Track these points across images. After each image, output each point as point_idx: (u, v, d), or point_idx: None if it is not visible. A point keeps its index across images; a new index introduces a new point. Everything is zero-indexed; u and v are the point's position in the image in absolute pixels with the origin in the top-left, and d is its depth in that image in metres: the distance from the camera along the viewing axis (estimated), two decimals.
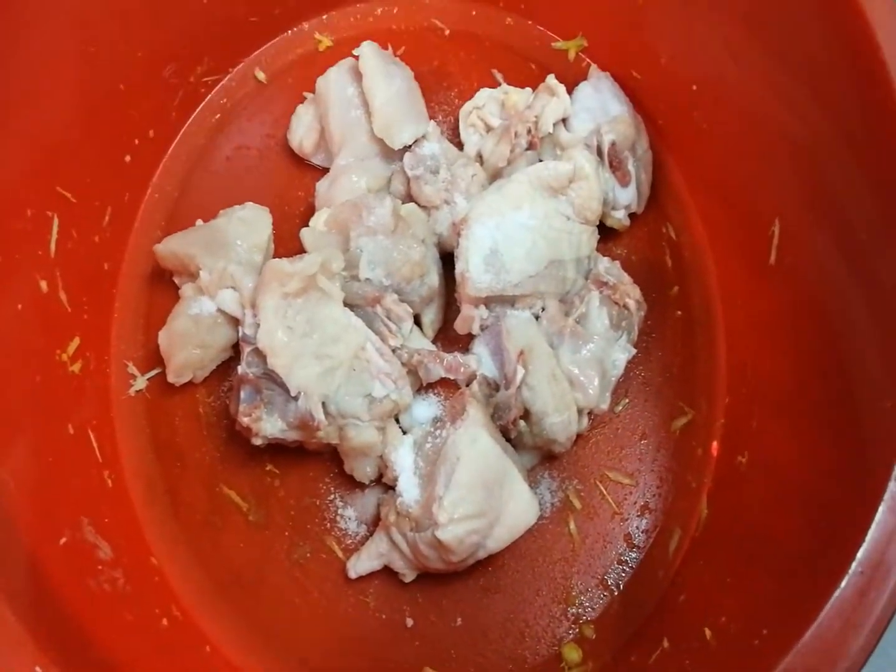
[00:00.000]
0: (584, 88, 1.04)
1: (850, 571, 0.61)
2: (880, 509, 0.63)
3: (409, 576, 0.88)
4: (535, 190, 0.91)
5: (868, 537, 0.62)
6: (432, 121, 1.02)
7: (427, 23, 1.14)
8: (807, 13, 0.80)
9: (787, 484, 0.80)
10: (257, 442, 0.86)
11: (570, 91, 1.02)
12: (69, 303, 0.90)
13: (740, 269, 0.96)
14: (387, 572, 0.88)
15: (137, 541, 0.90)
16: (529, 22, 1.13)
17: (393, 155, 1.00)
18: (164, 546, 0.91)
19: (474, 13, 1.14)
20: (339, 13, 1.14)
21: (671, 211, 1.05)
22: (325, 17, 1.13)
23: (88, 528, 0.80)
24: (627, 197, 1.00)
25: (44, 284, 0.87)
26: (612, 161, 0.98)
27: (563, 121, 1.02)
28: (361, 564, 0.88)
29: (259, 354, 0.83)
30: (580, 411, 0.89)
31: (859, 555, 0.62)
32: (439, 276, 0.94)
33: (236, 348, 0.92)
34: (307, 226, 0.93)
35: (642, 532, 0.93)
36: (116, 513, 0.88)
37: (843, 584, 0.61)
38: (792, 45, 0.82)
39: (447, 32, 1.13)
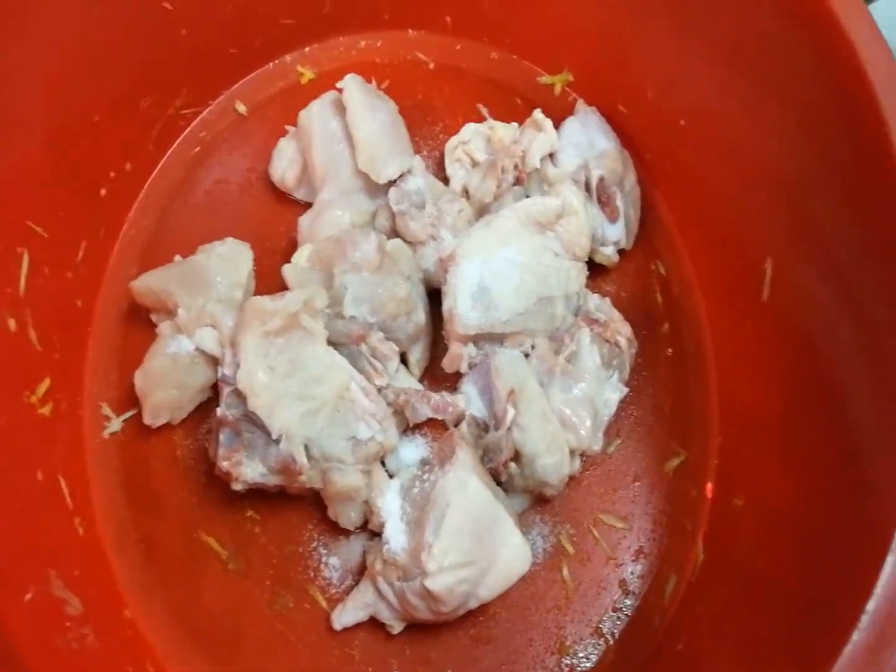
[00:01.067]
0: (570, 123, 1.03)
1: (860, 626, 0.59)
2: (890, 557, 0.60)
3: (396, 627, 0.84)
4: (522, 225, 0.90)
5: (878, 587, 0.60)
6: (417, 155, 1.00)
7: (411, 56, 1.13)
8: (796, 49, 0.79)
9: (786, 527, 0.78)
10: (237, 487, 0.83)
11: (556, 126, 1.01)
12: (39, 342, 0.87)
13: (731, 306, 0.95)
14: (373, 623, 0.85)
15: (109, 593, 0.86)
16: (514, 56, 1.13)
17: (377, 190, 0.98)
18: (138, 597, 0.87)
19: (458, 47, 1.13)
20: (322, 46, 1.13)
21: (660, 247, 1.04)
22: (307, 49, 1.12)
23: (56, 582, 0.77)
24: (616, 233, 0.99)
25: (12, 323, 0.84)
26: (601, 196, 0.97)
27: (550, 156, 1.01)
28: (346, 615, 0.84)
29: (239, 395, 0.80)
30: (572, 452, 0.86)
31: (869, 606, 0.59)
32: (426, 314, 0.92)
33: (215, 389, 0.89)
34: (289, 262, 0.91)
35: (637, 577, 0.90)
36: (87, 563, 0.85)
37: (854, 639, 0.59)
38: (780, 81, 0.82)
39: (431, 66, 1.13)
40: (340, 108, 0.98)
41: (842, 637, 0.59)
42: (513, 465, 0.85)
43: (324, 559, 0.89)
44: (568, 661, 0.87)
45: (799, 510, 0.77)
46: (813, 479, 0.76)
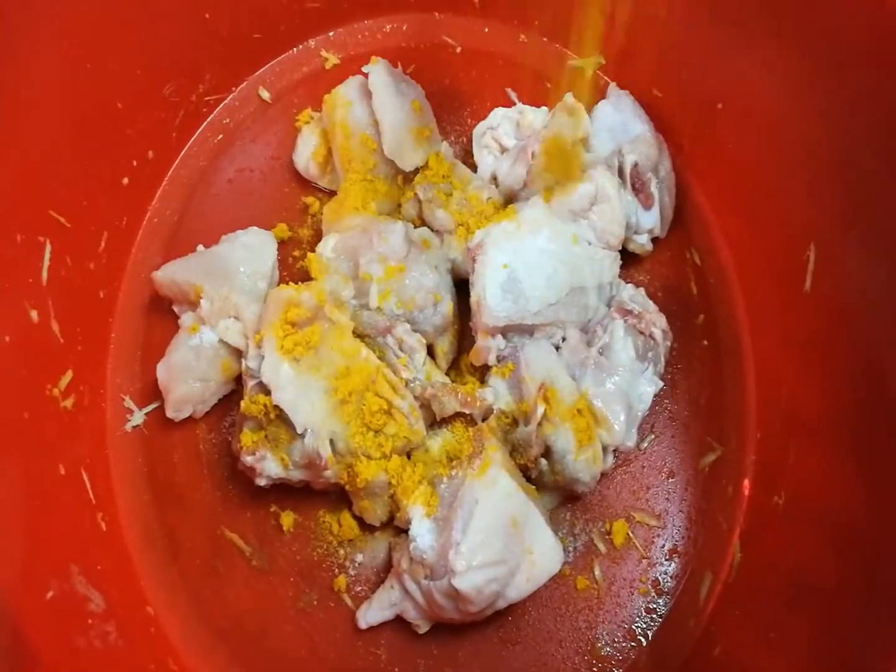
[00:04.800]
0: (603, 107, 0.99)
1: None
2: None
3: (423, 626, 0.82)
4: (554, 213, 0.88)
5: None
6: (444, 141, 0.98)
7: (438, 40, 1.10)
8: (845, 21, 0.76)
9: (833, 530, 0.75)
10: (261, 482, 0.82)
11: (588, 110, 0.98)
12: (62, 333, 0.87)
13: (770, 297, 0.92)
14: (399, 622, 0.83)
15: (132, 589, 0.85)
16: (544, 39, 1.10)
17: (404, 177, 0.96)
18: (162, 594, 0.86)
19: (486, 30, 1.10)
20: (347, 30, 1.10)
21: (695, 235, 1.00)
22: (331, 33, 1.10)
23: (79, 578, 0.76)
24: (650, 220, 0.95)
25: (34, 314, 0.83)
26: (635, 182, 0.94)
27: (582, 141, 0.97)
28: (372, 614, 0.83)
29: (263, 388, 0.79)
30: (605, 449, 0.84)
31: None
32: (453, 305, 0.90)
33: (239, 381, 0.88)
34: (314, 252, 0.90)
35: (671, 577, 0.88)
36: (110, 559, 0.84)
37: None
38: (828, 58, 0.78)
39: (458, 50, 1.10)
40: (366, 93, 0.96)
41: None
42: (543, 461, 0.83)
43: (349, 556, 0.88)
44: (599, 664, 0.84)
45: (848, 513, 0.74)
46: (866, 480, 0.73)
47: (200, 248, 0.95)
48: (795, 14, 0.81)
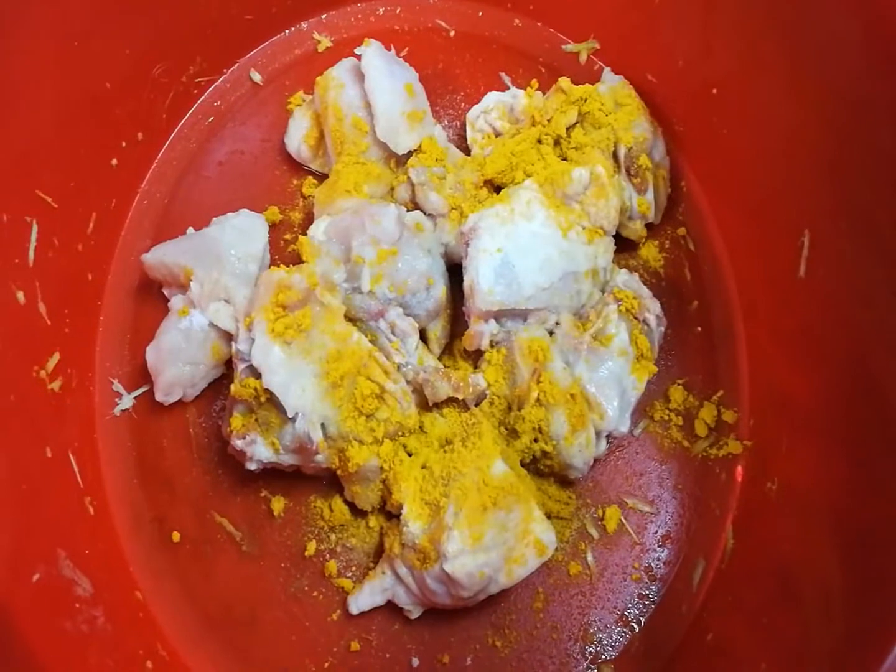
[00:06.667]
0: None
1: None
2: None
3: (414, 612, 0.82)
4: (548, 197, 0.87)
5: None
6: (438, 125, 0.97)
7: (431, 24, 1.09)
8: (839, 14, 0.75)
9: (825, 518, 0.75)
10: (251, 466, 0.81)
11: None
12: (49, 315, 0.86)
13: (764, 283, 0.91)
14: (391, 608, 0.83)
15: (121, 574, 0.84)
16: (539, 23, 1.09)
17: (397, 160, 0.95)
18: (150, 579, 0.85)
19: (481, 14, 1.10)
20: (339, 12, 1.09)
21: (689, 221, 1.00)
22: (324, 16, 1.09)
23: (66, 562, 0.75)
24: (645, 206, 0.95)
25: (21, 295, 0.82)
26: (629, 167, 0.93)
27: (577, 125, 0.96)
28: (363, 599, 0.82)
29: (254, 372, 0.78)
30: (598, 434, 0.84)
31: None
32: (446, 289, 0.89)
33: (229, 365, 0.87)
34: (305, 234, 0.88)
35: (664, 563, 0.88)
36: (98, 543, 0.83)
37: None
38: (821, 47, 0.78)
39: (452, 34, 1.09)
40: (359, 76, 0.95)
41: (887, 647, 0.56)
42: (536, 446, 0.83)
43: (340, 541, 0.87)
44: (591, 650, 0.84)
45: (840, 499, 0.73)
46: (858, 466, 0.73)
47: (191, 230, 0.94)
48: (788, 5, 0.80)
